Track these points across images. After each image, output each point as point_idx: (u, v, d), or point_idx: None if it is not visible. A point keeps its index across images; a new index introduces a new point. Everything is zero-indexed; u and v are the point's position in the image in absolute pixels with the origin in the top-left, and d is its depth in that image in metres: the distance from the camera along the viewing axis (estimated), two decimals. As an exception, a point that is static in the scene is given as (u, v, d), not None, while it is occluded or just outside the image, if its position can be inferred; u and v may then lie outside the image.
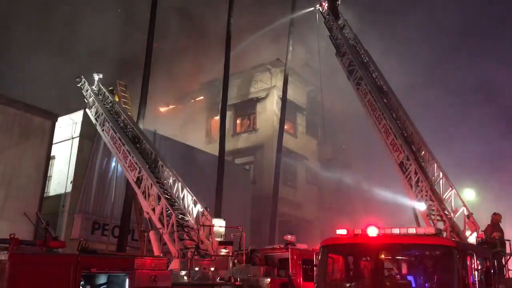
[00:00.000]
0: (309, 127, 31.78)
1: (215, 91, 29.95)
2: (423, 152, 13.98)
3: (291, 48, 25.09)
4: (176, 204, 13.57)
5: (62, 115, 19.11)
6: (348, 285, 9.25)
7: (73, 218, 18.05)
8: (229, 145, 25.88)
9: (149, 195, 13.51)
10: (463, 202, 12.67)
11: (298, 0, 25.07)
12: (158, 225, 12.95)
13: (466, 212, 12.32)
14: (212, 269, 11.76)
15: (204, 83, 32.54)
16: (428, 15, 33.29)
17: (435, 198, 12.84)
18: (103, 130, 16.65)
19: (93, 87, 18.68)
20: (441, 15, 33.43)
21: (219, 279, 11.83)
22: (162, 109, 33.66)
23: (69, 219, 18.00)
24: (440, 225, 12.34)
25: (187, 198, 13.57)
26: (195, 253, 11.70)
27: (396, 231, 8.73)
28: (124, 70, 25.82)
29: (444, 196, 12.98)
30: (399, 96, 15.53)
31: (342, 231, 9.19)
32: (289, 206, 27.71)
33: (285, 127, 26.24)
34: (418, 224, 12.82)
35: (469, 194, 26.19)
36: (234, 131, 30.45)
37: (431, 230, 8.93)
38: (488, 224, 12.33)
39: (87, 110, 18.28)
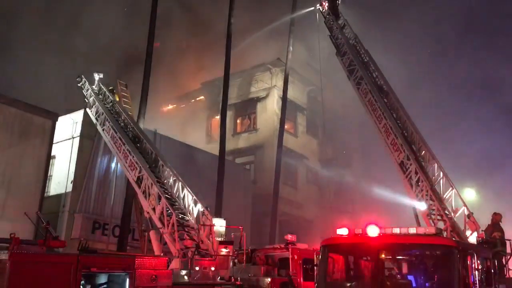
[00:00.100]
0: (310, 126, 31.77)
1: (215, 90, 29.97)
2: (424, 151, 13.96)
3: (291, 47, 25.09)
4: (177, 203, 13.57)
5: (63, 115, 19.10)
6: (348, 284, 9.26)
7: (74, 218, 18.04)
8: (230, 145, 25.89)
9: (149, 195, 13.52)
10: (463, 202, 12.65)
11: (299, 0, 25.08)
12: (159, 224, 12.95)
13: (466, 212, 12.30)
14: (213, 268, 11.76)
15: (204, 83, 32.56)
16: (428, 14, 33.31)
17: (435, 197, 12.83)
18: (103, 130, 16.66)
19: (94, 86, 18.69)
20: (442, 13, 33.44)
21: (220, 279, 11.84)
22: (163, 109, 33.67)
23: (69, 218, 17.99)
24: (441, 225, 12.32)
25: (188, 198, 13.57)
26: (196, 252, 11.70)
27: (396, 230, 8.73)
28: (125, 70, 25.85)
29: (444, 196, 12.96)
30: (399, 95, 15.53)
31: (342, 231, 9.19)
32: (290, 205, 27.72)
33: (286, 126, 26.24)
34: (419, 224, 12.81)
35: (470, 194, 26.22)
36: (235, 131, 30.45)
37: (432, 230, 8.93)
38: (488, 224, 12.33)
39: (87, 109, 18.29)
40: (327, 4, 18.73)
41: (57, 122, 18.13)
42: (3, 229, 11.20)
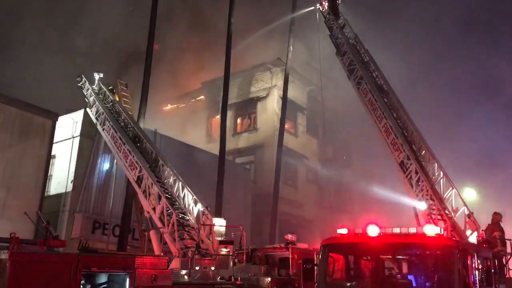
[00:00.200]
0: (310, 126, 31.77)
1: (215, 90, 29.96)
2: (424, 151, 13.96)
3: (291, 47, 25.09)
4: (177, 203, 13.58)
5: (63, 114, 19.11)
6: (348, 284, 9.25)
7: (74, 217, 18.05)
8: (230, 145, 25.89)
9: (149, 194, 13.52)
10: (463, 202, 12.65)
11: (299, 0, 25.08)
12: (159, 224, 12.95)
13: (466, 212, 12.29)
14: (213, 268, 11.78)
15: (204, 83, 32.56)
16: (428, 13, 33.29)
17: (435, 197, 12.82)
18: (103, 130, 16.66)
19: (94, 86, 18.69)
20: (442, 12, 33.42)
21: (220, 279, 11.84)
22: (163, 109, 33.67)
23: (69, 218, 18.00)
24: (441, 225, 12.31)
25: (188, 198, 13.58)
26: (196, 252, 11.70)
27: (396, 230, 8.72)
28: (125, 69, 25.86)
29: (444, 196, 12.95)
30: (399, 95, 15.52)
31: (342, 231, 9.18)
32: (290, 205, 27.72)
33: (286, 126, 26.23)
34: (419, 224, 12.81)
35: (470, 194, 26.21)
36: (235, 131, 30.44)
37: (432, 230, 8.91)
38: (488, 224, 12.33)
39: (87, 109, 18.29)
40: (327, 3, 18.73)
41: (57, 122, 18.13)
42: (3, 229, 11.20)
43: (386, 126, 14.49)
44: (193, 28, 31.91)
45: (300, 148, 30.13)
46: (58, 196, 18.65)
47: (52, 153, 18.11)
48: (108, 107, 17.40)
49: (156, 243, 13.06)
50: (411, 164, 13.49)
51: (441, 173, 13.20)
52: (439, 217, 12.71)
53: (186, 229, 12.78)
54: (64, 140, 19.28)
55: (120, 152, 15.29)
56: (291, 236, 13.78)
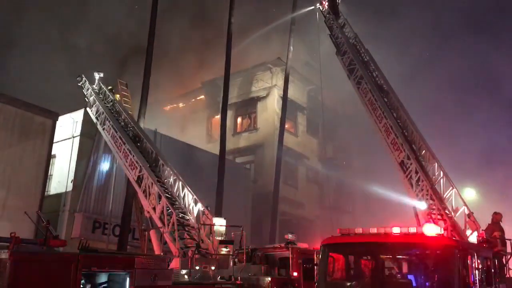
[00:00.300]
0: (310, 126, 31.77)
1: (216, 90, 29.95)
2: (424, 151, 13.95)
3: (292, 47, 25.09)
4: (177, 203, 13.58)
5: (63, 114, 19.11)
6: (348, 284, 9.25)
7: (74, 217, 18.06)
8: (230, 144, 25.88)
9: (149, 194, 13.52)
10: (463, 201, 12.64)
11: (299, -1, 25.09)
12: (159, 224, 12.95)
13: (466, 211, 12.29)
14: (213, 268, 11.77)
15: (205, 82, 32.55)
16: (428, 12, 33.27)
17: (435, 197, 12.81)
18: (103, 129, 16.66)
19: (94, 86, 18.70)
20: (442, 11, 33.41)
21: (220, 278, 11.84)
22: (163, 108, 33.67)
23: (69, 218, 18.01)
24: (441, 224, 12.31)
25: (188, 197, 13.58)
26: (196, 252, 11.70)
27: (396, 230, 8.73)
28: (125, 69, 25.87)
29: (444, 195, 12.95)
30: (399, 94, 15.52)
31: (343, 230, 9.19)
32: (290, 205, 27.72)
33: (286, 126, 26.24)
34: (419, 224, 12.80)
35: (470, 193, 26.22)
36: (235, 130, 30.44)
37: (432, 230, 8.91)
38: (488, 223, 12.31)
39: (87, 109, 18.30)
40: (327, 3, 18.73)
41: (57, 121, 18.13)
42: (4, 228, 11.19)
43: (386, 126, 14.49)
44: (194, 27, 31.91)
45: (300, 147, 30.14)
46: (58, 195, 18.66)
47: (52, 153, 18.11)
48: (108, 107, 17.41)
49: (156, 243, 13.06)
50: (411, 164, 13.48)
51: (441, 172, 13.20)
52: (439, 217, 12.71)
53: (186, 229, 12.78)
54: (64, 139, 19.29)
55: (120, 151, 15.30)
56: (291, 236, 13.78)
